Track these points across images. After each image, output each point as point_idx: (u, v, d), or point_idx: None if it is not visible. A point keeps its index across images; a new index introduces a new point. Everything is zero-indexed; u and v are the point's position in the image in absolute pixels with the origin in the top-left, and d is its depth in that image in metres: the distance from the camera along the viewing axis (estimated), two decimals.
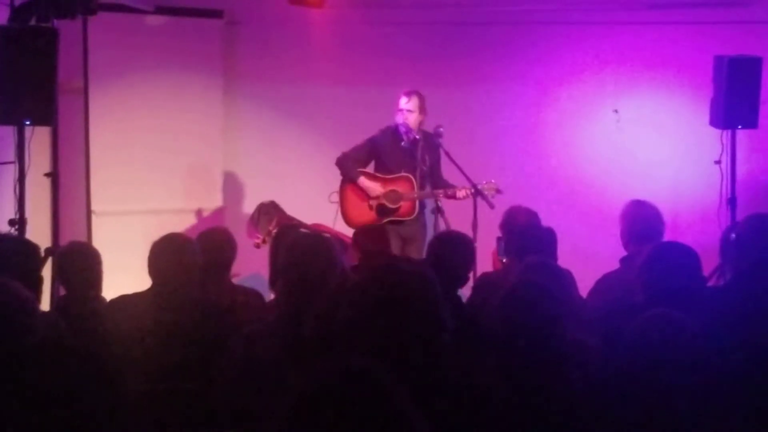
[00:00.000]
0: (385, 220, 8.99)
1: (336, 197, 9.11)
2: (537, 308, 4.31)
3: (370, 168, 9.18)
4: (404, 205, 9.02)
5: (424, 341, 3.69)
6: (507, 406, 4.01)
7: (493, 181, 8.84)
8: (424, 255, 7.49)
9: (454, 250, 6.07)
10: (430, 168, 9.01)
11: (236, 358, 4.85)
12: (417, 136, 8.86)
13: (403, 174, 9.05)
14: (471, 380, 4.00)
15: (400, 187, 9.03)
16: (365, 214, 9.02)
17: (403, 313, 3.64)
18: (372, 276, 3.82)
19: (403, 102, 9.02)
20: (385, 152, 9.10)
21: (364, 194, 9.06)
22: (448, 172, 8.87)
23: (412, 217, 9.04)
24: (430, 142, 9.02)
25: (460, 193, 8.83)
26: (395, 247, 8.88)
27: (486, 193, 8.77)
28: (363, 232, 7.82)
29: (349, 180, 9.07)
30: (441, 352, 3.79)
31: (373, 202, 9.02)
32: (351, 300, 3.82)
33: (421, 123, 9.06)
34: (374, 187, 9.00)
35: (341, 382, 2.94)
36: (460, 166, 8.67)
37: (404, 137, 8.98)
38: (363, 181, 9.03)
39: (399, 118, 8.99)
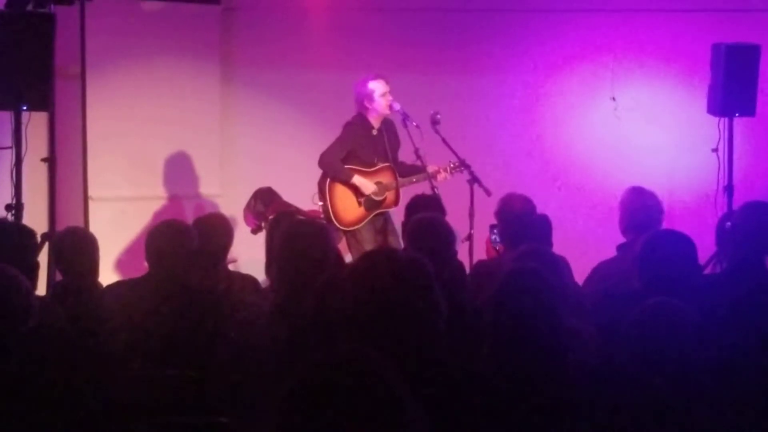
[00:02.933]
0: (373, 214, 8.96)
1: (317, 199, 9.00)
2: (531, 295, 4.31)
3: None
4: (388, 195, 8.99)
5: (419, 328, 3.69)
6: (502, 393, 4.01)
7: (451, 163, 8.81)
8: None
9: (430, 235, 5.99)
10: (394, 153, 9.04)
11: (231, 345, 4.86)
12: (415, 123, 8.79)
13: (384, 165, 8.98)
14: (466, 367, 4.00)
15: (384, 179, 8.99)
16: (355, 211, 8.92)
17: (398, 300, 3.64)
18: (367, 263, 3.82)
19: (383, 85, 8.87)
20: (359, 144, 8.96)
21: (352, 191, 8.92)
22: (445, 158, 8.83)
23: (395, 208, 9.00)
24: (390, 126, 9.05)
25: (441, 176, 8.81)
26: (375, 241, 8.87)
27: (452, 173, 8.79)
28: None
29: (340, 180, 8.90)
30: (436, 340, 3.80)
31: (362, 198, 8.94)
32: (346, 287, 3.81)
33: None
34: (368, 184, 8.91)
35: (337, 370, 2.94)
36: (457, 153, 8.69)
37: (375, 123, 8.97)
38: (357, 179, 8.88)
39: (382, 103, 8.86)
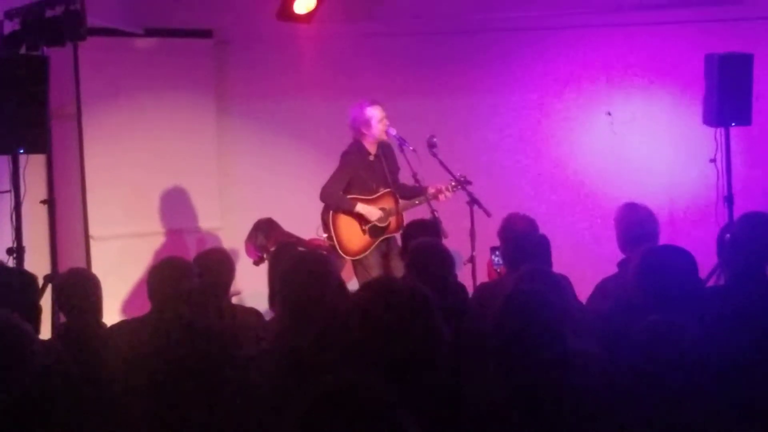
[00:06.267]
0: (378, 240, 8.95)
1: (321, 231, 8.97)
2: (533, 316, 4.30)
3: None
4: (392, 220, 8.98)
5: (421, 357, 3.69)
6: (507, 416, 4.01)
7: (451, 182, 8.81)
8: None
9: (430, 261, 6.00)
10: (394, 177, 9.05)
11: (236, 380, 4.85)
12: (412, 148, 8.76)
13: (386, 191, 8.98)
14: (471, 391, 4.00)
15: (386, 204, 8.99)
16: (361, 240, 8.91)
17: (399, 329, 3.64)
18: (367, 294, 3.83)
19: (379, 111, 8.87)
20: (358, 172, 8.97)
21: (356, 221, 8.91)
22: (443, 181, 8.82)
23: (395, 235, 9.00)
24: (388, 150, 9.06)
25: (442, 196, 8.79)
26: (381, 266, 8.86)
27: (453, 191, 8.78)
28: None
29: (343, 211, 8.90)
30: (439, 366, 3.80)
31: (366, 226, 8.93)
32: (348, 318, 3.82)
33: None
34: (373, 211, 8.90)
35: (341, 401, 2.95)
36: (455, 175, 8.71)
37: (371, 149, 8.98)
38: (361, 207, 8.87)
39: (379, 128, 8.86)
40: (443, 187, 8.82)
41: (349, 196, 8.89)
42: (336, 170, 8.94)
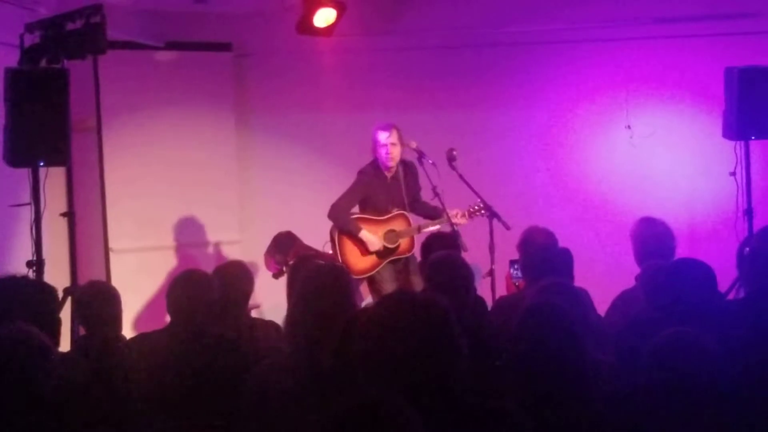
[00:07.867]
0: (385, 261, 8.94)
1: (329, 248, 9.00)
2: (553, 329, 4.29)
3: (356, 208, 9.10)
4: (402, 242, 8.98)
5: (440, 370, 3.67)
6: (525, 427, 3.99)
7: (470, 207, 8.80)
8: None
9: (448, 274, 5.99)
10: (413, 197, 9.03)
11: (254, 392, 4.84)
12: (431, 161, 8.73)
13: (398, 212, 8.99)
14: (489, 405, 3.98)
15: (397, 226, 8.98)
16: (368, 260, 8.93)
17: (418, 342, 3.63)
18: (386, 306, 3.81)
19: (385, 137, 8.87)
20: (372, 191, 8.98)
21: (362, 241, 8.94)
22: (462, 194, 8.81)
23: (411, 254, 9.01)
24: (410, 170, 9.05)
25: (456, 220, 8.75)
26: (394, 279, 8.85)
27: (471, 217, 8.77)
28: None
29: (348, 233, 8.93)
30: (458, 379, 3.78)
31: (372, 249, 8.93)
32: (366, 331, 3.81)
33: (401, 154, 9.00)
34: (374, 241, 8.89)
35: (359, 415, 2.95)
36: (474, 189, 8.69)
37: (388, 172, 8.98)
38: (364, 235, 8.88)
39: (382, 153, 8.90)
40: (461, 213, 8.77)
41: (360, 215, 8.90)
42: (348, 188, 8.97)
